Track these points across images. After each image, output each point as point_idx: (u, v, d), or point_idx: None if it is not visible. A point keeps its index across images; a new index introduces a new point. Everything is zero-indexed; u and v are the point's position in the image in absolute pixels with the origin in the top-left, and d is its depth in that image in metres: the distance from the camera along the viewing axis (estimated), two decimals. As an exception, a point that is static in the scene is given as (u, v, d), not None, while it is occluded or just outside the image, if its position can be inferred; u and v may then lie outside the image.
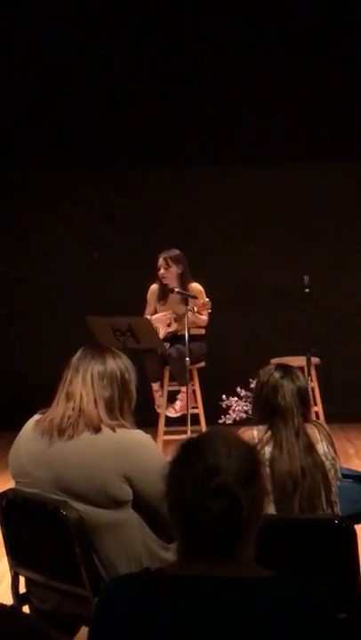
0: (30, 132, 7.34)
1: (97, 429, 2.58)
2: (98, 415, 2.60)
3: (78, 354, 2.73)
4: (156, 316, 6.23)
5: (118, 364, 2.70)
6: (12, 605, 1.38)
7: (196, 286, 6.23)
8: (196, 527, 1.51)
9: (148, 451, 2.64)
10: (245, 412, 4.55)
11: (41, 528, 2.65)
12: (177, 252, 6.26)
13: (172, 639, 1.47)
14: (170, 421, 6.24)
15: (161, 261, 6.23)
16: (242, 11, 7.17)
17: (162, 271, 6.24)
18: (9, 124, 7.34)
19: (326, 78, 7.20)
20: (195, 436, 1.66)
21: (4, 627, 1.30)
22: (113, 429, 2.59)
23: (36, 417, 2.74)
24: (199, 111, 7.30)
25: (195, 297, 5.98)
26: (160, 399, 6.26)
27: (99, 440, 2.58)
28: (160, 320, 6.18)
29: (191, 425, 5.66)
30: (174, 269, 6.21)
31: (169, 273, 6.22)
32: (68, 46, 7.20)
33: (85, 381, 2.65)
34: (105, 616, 1.54)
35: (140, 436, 2.65)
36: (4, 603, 1.47)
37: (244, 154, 7.28)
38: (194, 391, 6.28)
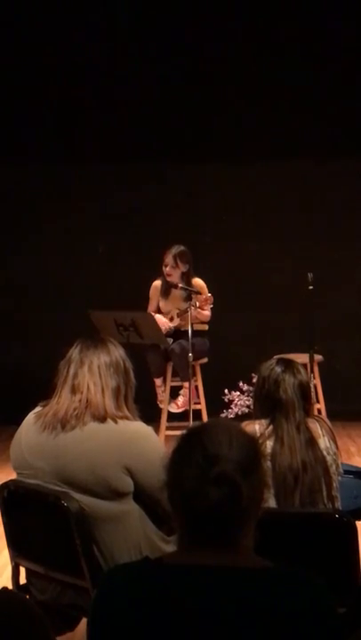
0: (35, 127, 7.33)
1: (101, 420, 2.59)
2: (104, 406, 2.61)
3: (78, 347, 2.72)
4: (157, 316, 6.20)
5: (120, 352, 2.73)
6: (4, 588, 1.39)
7: (198, 281, 6.20)
8: (196, 515, 1.51)
9: (150, 442, 2.65)
10: (247, 406, 4.55)
11: (42, 519, 2.66)
12: (183, 248, 6.19)
13: (170, 628, 1.46)
14: (172, 417, 6.24)
15: (169, 259, 6.15)
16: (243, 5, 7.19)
17: (168, 269, 6.18)
18: (14, 118, 7.34)
19: (335, 73, 7.18)
20: (196, 425, 1.66)
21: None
22: (115, 421, 2.60)
23: (37, 409, 2.75)
24: (205, 107, 7.29)
25: (198, 292, 5.96)
26: (162, 394, 6.26)
27: (100, 431, 2.58)
28: (161, 320, 6.15)
29: (193, 421, 5.65)
30: (181, 268, 6.16)
31: (175, 271, 6.16)
32: (71, 40, 7.22)
33: (93, 372, 2.65)
34: (103, 605, 1.53)
35: (141, 427, 2.66)
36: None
37: (248, 150, 7.27)
38: (196, 387, 6.28)
